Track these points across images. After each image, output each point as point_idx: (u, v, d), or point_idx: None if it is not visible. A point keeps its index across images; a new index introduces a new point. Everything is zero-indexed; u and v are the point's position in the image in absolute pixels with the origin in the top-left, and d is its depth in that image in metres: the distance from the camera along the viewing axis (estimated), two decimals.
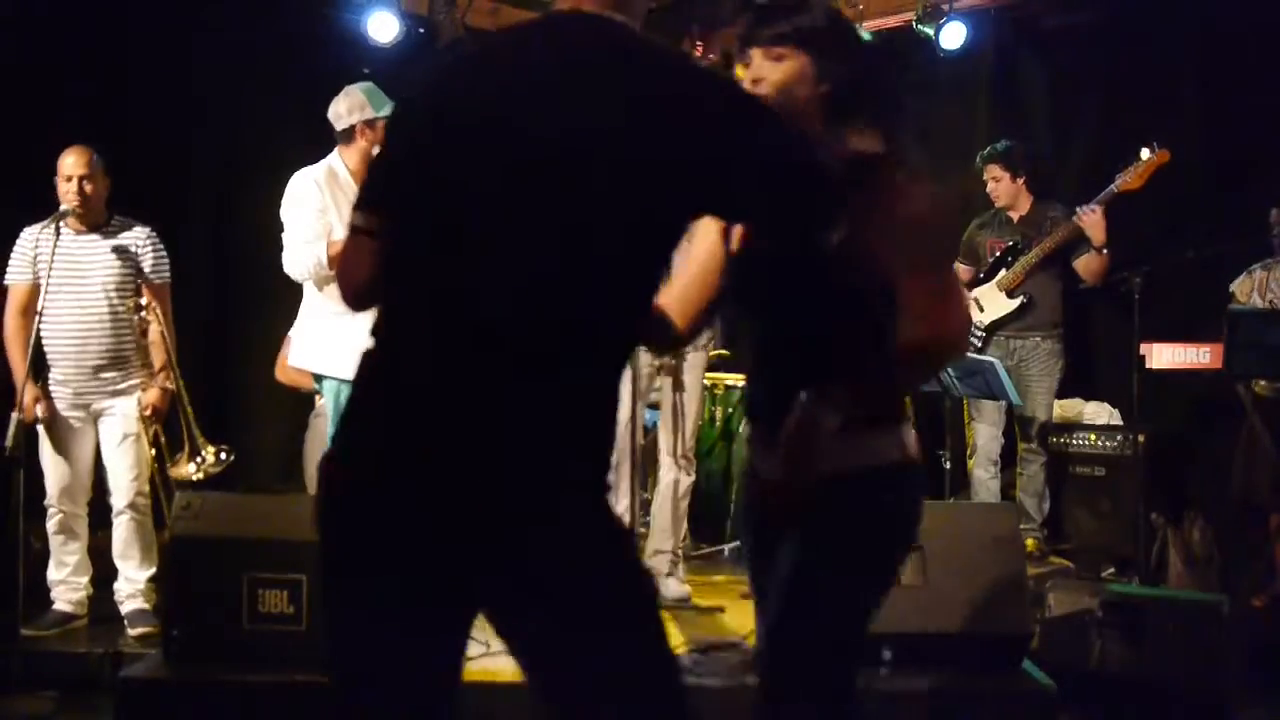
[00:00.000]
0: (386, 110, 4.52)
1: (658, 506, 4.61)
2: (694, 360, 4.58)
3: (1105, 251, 5.26)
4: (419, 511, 1.66)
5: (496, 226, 1.65)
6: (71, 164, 4.34)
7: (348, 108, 4.52)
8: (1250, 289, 5.08)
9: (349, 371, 4.46)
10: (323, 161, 4.59)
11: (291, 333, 5.48)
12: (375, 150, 4.44)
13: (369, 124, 4.51)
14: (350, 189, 4.56)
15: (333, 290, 4.50)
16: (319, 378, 4.59)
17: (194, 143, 5.91)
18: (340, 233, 4.48)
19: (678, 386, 4.54)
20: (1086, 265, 5.39)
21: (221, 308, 6.16)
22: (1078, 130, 6.21)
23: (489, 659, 3.60)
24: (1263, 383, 4.84)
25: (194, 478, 4.35)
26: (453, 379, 1.67)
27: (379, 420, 1.75)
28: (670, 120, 1.64)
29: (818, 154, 1.78)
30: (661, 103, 1.65)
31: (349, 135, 4.55)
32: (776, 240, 1.85)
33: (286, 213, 4.50)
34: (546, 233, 1.64)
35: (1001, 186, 5.56)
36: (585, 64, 1.69)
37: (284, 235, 4.51)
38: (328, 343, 4.50)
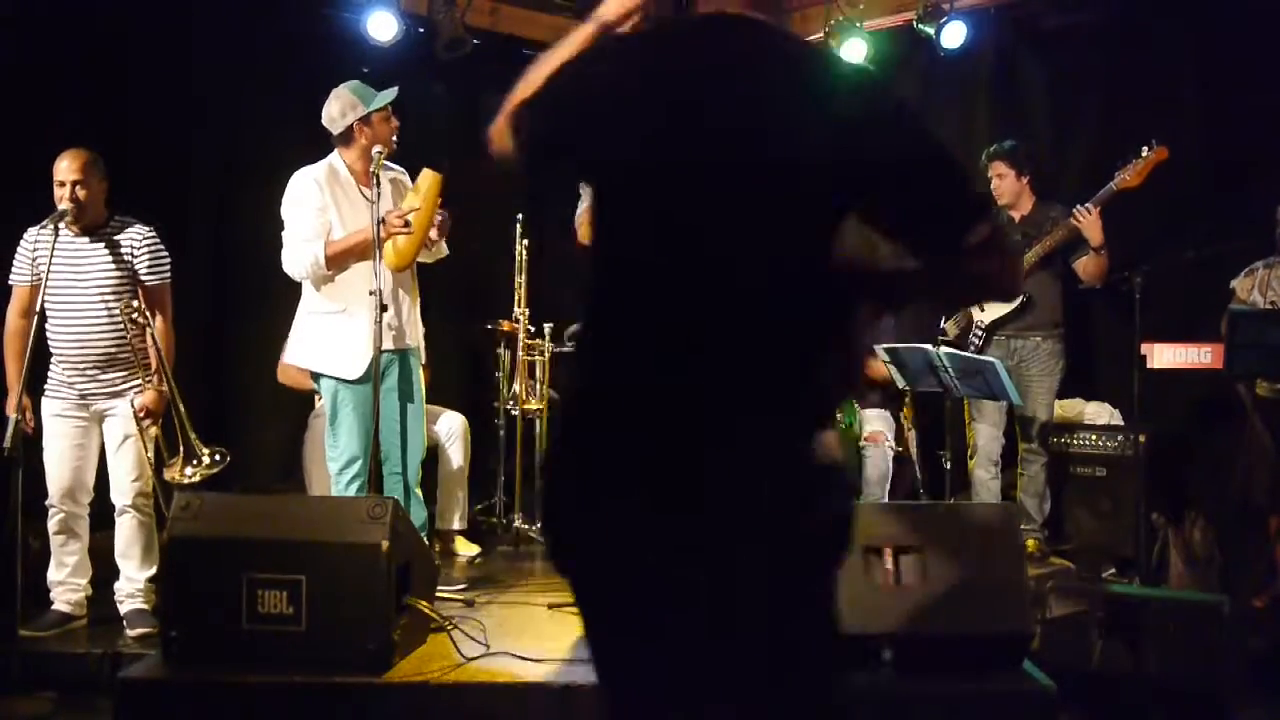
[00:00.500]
0: (379, 102, 4.53)
1: None
2: None
3: (1103, 252, 5.26)
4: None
5: (690, 234, 1.69)
6: (65, 168, 4.34)
7: (340, 110, 4.53)
8: (1251, 287, 5.08)
9: (346, 370, 4.47)
10: (323, 161, 4.59)
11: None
12: (375, 146, 4.45)
13: (364, 121, 4.53)
14: (351, 188, 4.56)
15: (331, 289, 4.50)
16: (316, 376, 4.58)
17: (194, 143, 5.91)
18: (339, 232, 4.48)
19: None
20: (1084, 267, 5.38)
21: (221, 308, 6.15)
22: (1077, 129, 6.21)
23: (489, 659, 3.61)
24: (1263, 383, 4.84)
25: (189, 480, 4.34)
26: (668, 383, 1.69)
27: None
28: (834, 120, 1.68)
29: (958, 162, 1.79)
30: (827, 104, 1.70)
31: (347, 136, 4.56)
32: (916, 245, 1.81)
33: (286, 211, 4.50)
34: (743, 235, 1.68)
35: (1005, 184, 5.56)
36: (749, 67, 1.73)
37: (283, 233, 4.51)
38: (325, 342, 4.49)
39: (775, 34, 1.79)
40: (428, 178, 4.60)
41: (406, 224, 4.41)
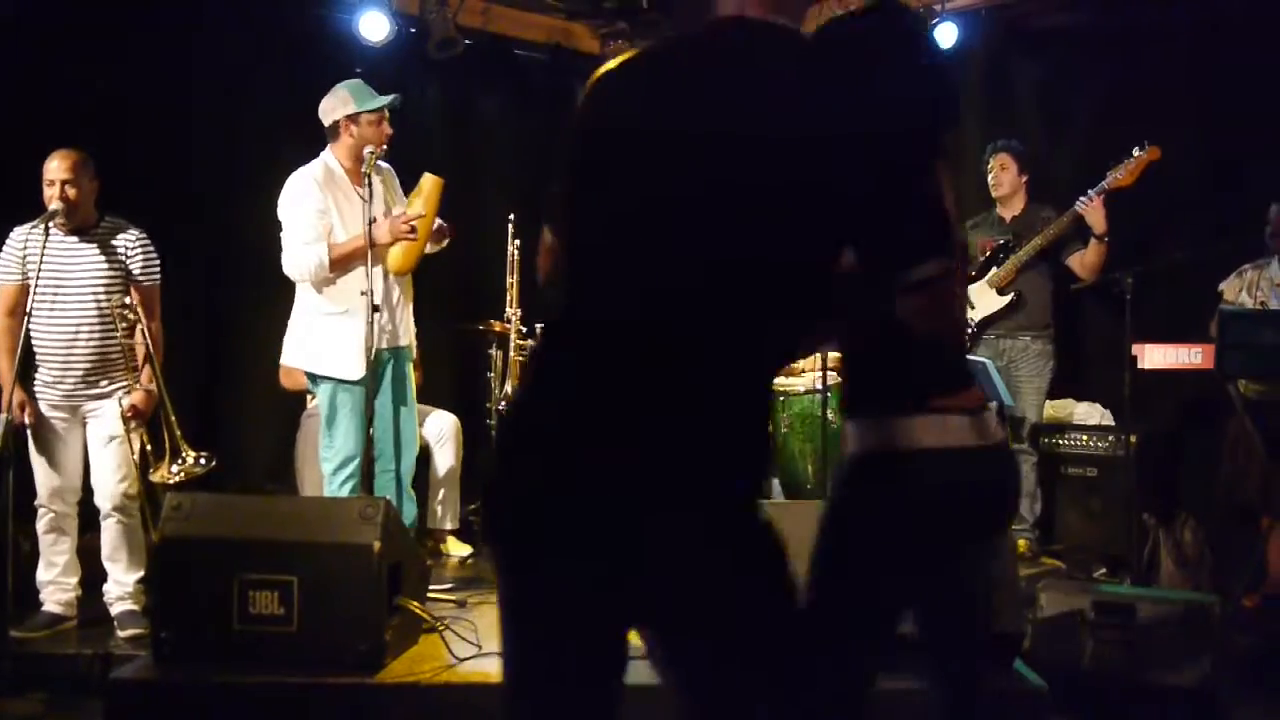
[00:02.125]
0: (371, 105, 4.53)
1: None
2: None
3: (1105, 240, 5.27)
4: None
5: (682, 236, 1.68)
6: (55, 168, 4.33)
7: (331, 105, 4.55)
8: (1240, 289, 5.11)
9: (346, 371, 4.48)
10: (317, 160, 4.59)
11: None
12: (366, 147, 4.45)
13: (352, 119, 4.53)
14: (346, 186, 4.56)
15: (331, 291, 4.49)
16: (314, 378, 4.57)
17: (186, 143, 5.89)
18: (340, 234, 4.47)
19: None
20: (1083, 259, 5.39)
21: (214, 308, 6.14)
22: (1068, 130, 6.22)
23: (481, 660, 3.61)
24: (1253, 384, 4.86)
25: (174, 481, 4.32)
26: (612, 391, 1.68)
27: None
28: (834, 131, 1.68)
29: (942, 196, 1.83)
30: (831, 113, 1.69)
31: (335, 131, 4.56)
32: (869, 267, 1.85)
33: (286, 212, 4.49)
34: (725, 242, 1.66)
35: (1007, 176, 5.58)
36: (760, 73, 1.72)
37: (283, 235, 4.50)
38: (325, 344, 4.49)
39: (785, 33, 1.78)
40: (430, 182, 4.64)
41: (412, 229, 4.44)
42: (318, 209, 4.45)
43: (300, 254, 4.42)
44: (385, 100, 4.55)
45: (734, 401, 1.70)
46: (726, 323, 1.67)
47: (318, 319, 4.52)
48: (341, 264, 4.43)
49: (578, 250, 1.81)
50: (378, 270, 4.40)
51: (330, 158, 4.59)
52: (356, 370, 4.43)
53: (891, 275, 1.83)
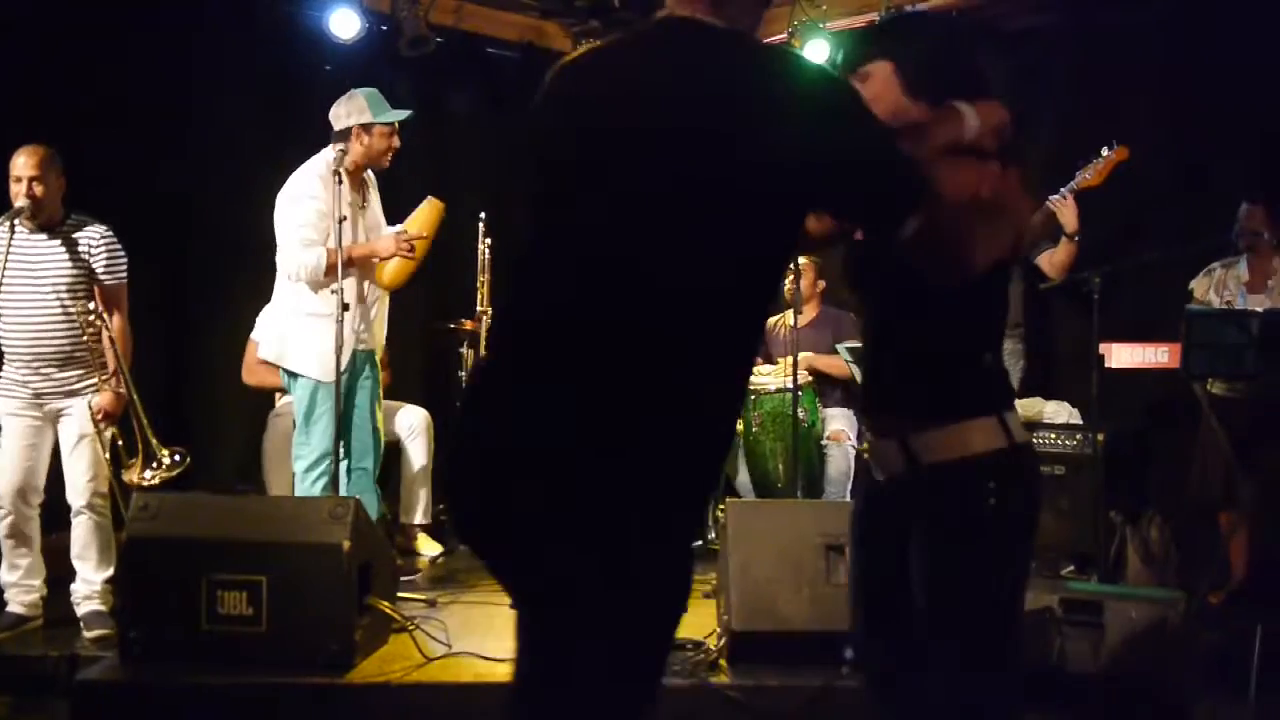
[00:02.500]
0: (387, 117, 4.63)
1: None
2: None
3: (1076, 239, 5.31)
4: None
5: (615, 230, 1.72)
6: (21, 164, 4.28)
7: (347, 111, 4.62)
8: (1208, 287, 5.15)
9: (326, 372, 4.55)
10: (319, 158, 4.61)
11: (259, 329, 5.49)
12: (373, 155, 4.61)
13: (365, 128, 4.61)
14: (345, 189, 4.59)
15: (320, 292, 4.51)
16: (293, 375, 4.56)
17: (155, 141, 5.84)
18: (344, 236, 4.50)
19: None
20: (1052, 258, 5.42)
21: (182, 307, 6.10)
22: (1039, 130, 6.26)
23: (452, 659, 3.61)
24: (1218, 382, 4.90)
25: (148, 482, 4.29)
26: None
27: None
28: (772, 126, 1.68)
29: (900, 151, 1.83)
30: (766, 108, 1.69)
31: (345, 136, 4.62)
32: (868, 231, 1.96)
33: (289, 209, 4.51)
34: (665, 235, 1.69)
35: None
36: (692, 71, 1.74)
37: (281, 231, 4.50)
38: (310, 343, 4.51)
39: (727, 37, 1.79)
40: (430, 206, 4.77)
41: (411, 248, 4.54)
42: (320, 210, 4.47)
43: (301, 255, 4.44)
44: (401, 114, 4.66)
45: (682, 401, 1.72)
46: (682, 315, 1.70)
47: (302, 319, 4.54)
48: (335, 271, 4.45)
49: (536, 245, 1.85)
50: (354, 273, 4.50)
51: (326, 161, 4.61)
52: (334, 370, 4.45)
53: (890, 240, 1.87)
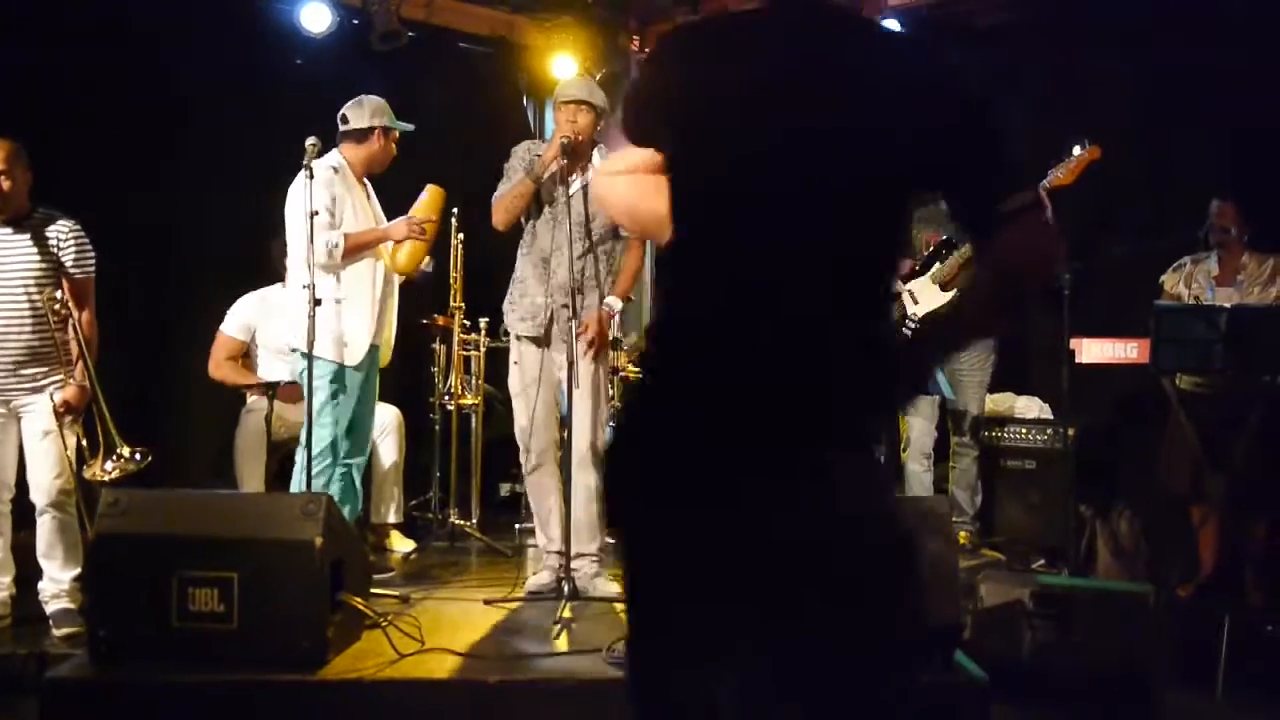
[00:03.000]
0: (401, 126, 4.86)
1: (579, 508, 4.48)
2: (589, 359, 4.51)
3: None
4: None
5: (762, 191, 1.76)
6: None
7: (372, 110, 4.78)
8: (1178, 281, 5.19)
9: (349, 357, 4.63)
10: (328, 156, 4.70)
11: (228, 323, 5.46)
12: (381, 158, 4.82)
13: (385, 132, 4.80)
14: (354, 185, 4.75)
15: (347, 275, 4.64)
16: (310, 361, 4.54)
17: (125, 134, 5.80)
18: (351, 224, 4.64)
19: (579, 383, 4.41)
20: None
21: (153, 303, 6.06)
22: (1010, 128, 6.28)
23: (424, 655, 3.59)
24: (1186, 377, 4.94)
25: (109, 476, 4.25)
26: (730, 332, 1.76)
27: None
28: (903, 96, 1.77)
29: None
30: (897, 80, 1.79)
31: (365, 135, 4.76)
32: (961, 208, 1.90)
33: (304, 196, 4.52)
34: (811, 196, 1.74)
35: None
36: (827, 47, 1.81)
37: (298, 219, 4.52)
38: (329, 328, 4.55)
39: (845, 12, 1.88)
40: (432, 192, 4.91)
41: (422, 230, 4.72)
42: (335, 195, 4.61)
43: (322, 236, 4.51)
44: (407, 126, 4.91)
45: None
46: (833, 265, 1.76)
47: (325, 304, 4.55)
48: (351, 253, 4.61)
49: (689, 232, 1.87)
50: (368, 260, 4.68)
51: (340, 158, 4.74)
52: (358, 356, 4.63)
53: (988, 210, 1.83)
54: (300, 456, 4.55)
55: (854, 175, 1.75)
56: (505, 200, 4.55)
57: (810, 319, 1.73)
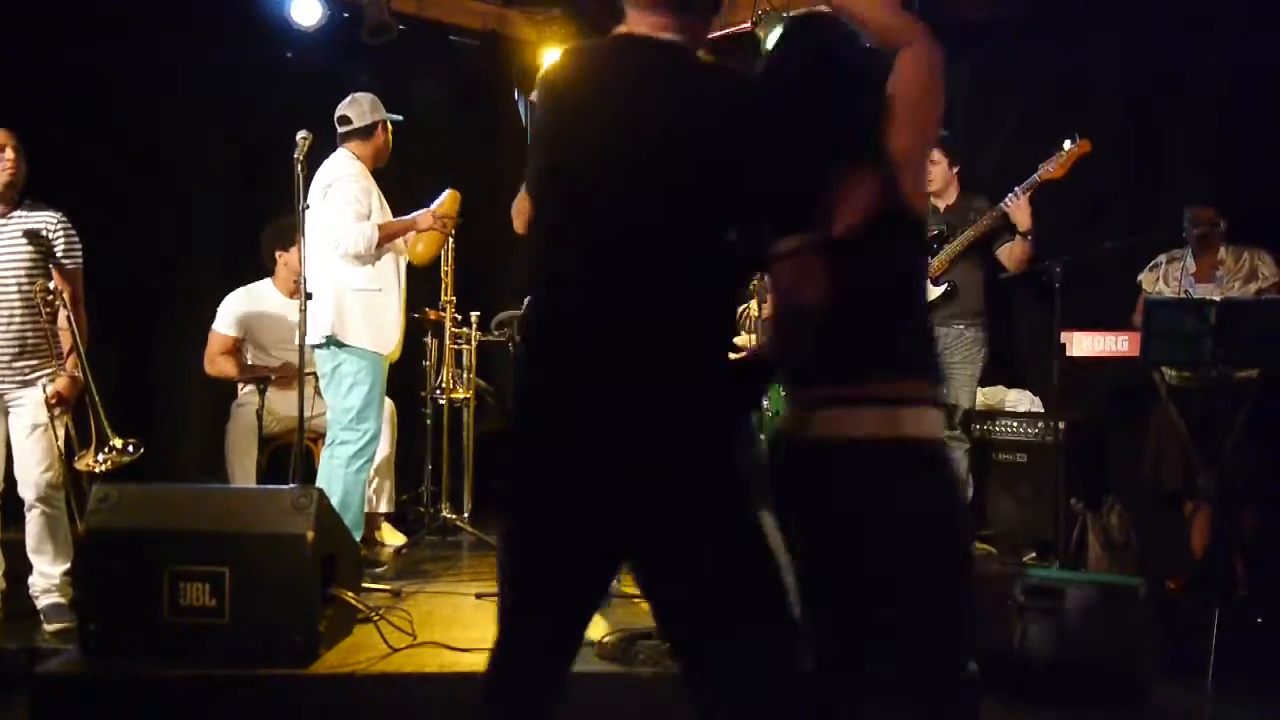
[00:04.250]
0: (392, 117, 4.95)
1: None
2: None
3: (1030, 238, 5.34)
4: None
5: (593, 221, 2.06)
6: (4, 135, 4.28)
7: (371, 105, 4.85)
8: (1155, 280, 5.22)
9: (385, 346, 4.69)
10: (338, 155, 4.77)
11: (220, 320, 5.46)
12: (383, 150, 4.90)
13: (384, 125, 4.89)
14: (371, 179, 4.80)
15: (368, 267, 4.68)
16: (349, 351, 4.60)
17: (116, 128, 5.78)
18: (379, 216, 4.72)
19: None
20: (1010, 253, 5.46)
21: (144, 296, 6.04)
22: (1000, 123, 6.29)
23: (416, 649, 3.59)
24: (1177, 370, 4.95)
25: (100, 468, 4.25)
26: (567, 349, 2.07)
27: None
28: (703, 141, 2.00)
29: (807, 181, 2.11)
30: (699, 124, 2.01)
31: (370, 131, 4.84)
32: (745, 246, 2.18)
33: (338, 186, 4.63)
34: (635, 220, 2.02)
35: (938, 170, 5.60)
36: (643, 87, 2.06)
37: (331, 208, 4.59)
38: (364, 318, 4.62)
39: (674, 53, 2.09)
40: (452, 195, 5.07)
41: (445, 224, 4.92)
42: (364, 186, 4.69)
43: (355, 229, 4.57)
44: (398, 117, 5.04)
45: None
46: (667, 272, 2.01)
47: (353, 294, 4.64)
48: (383, 243, 4.70)
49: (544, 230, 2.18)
50: (391, 253, 4.78)
51: (350, 155, 4.79)
52: (391, 345, 4.70)
53: (763, 248, 2.17)
54: (342, 453, 4.58)
55: (668, 207, 1.99)
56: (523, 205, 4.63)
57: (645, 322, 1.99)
